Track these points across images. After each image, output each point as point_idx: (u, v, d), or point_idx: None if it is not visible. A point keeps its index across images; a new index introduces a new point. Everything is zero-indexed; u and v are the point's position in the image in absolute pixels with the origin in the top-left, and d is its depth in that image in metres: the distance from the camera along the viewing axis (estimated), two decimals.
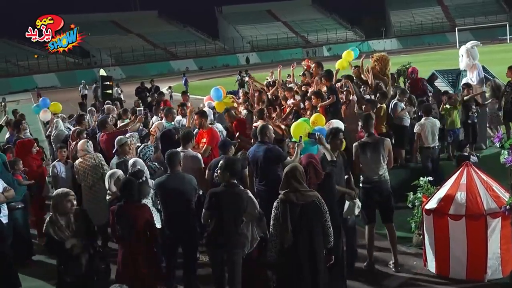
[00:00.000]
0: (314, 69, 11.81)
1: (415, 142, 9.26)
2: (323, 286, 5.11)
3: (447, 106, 10.42)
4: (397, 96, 10.55)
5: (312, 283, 5.02)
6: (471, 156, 8.85)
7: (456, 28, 65.11)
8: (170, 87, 31.82)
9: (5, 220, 6.97)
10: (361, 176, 6.81)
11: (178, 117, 10.52)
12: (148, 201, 6.15)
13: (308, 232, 5.01)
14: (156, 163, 7.49)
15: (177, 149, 7.26)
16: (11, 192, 6.96)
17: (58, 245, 5.01)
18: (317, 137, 6.43)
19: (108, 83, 24.06)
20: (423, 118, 9.15)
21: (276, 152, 6.88)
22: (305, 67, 13.07)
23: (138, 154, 7.67)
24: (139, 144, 8.58)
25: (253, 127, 8.63)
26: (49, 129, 12.67)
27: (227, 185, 5.54)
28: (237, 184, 5.60)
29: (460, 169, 6.52)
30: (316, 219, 5.05)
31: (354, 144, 7.00)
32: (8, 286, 6.29)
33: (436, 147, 9.22)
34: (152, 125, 10.30)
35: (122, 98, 24.64)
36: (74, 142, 9.18)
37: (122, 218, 5.39)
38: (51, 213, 5.24)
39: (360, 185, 6.78)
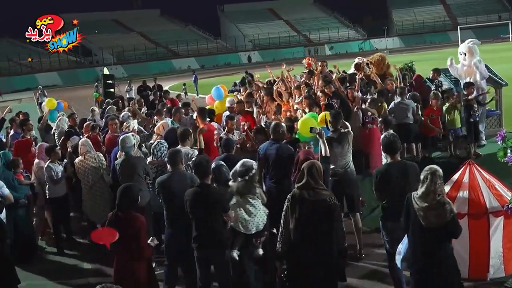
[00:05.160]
0: (320, 68, 11.93)
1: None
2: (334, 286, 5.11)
3: (448, 105, 10.42)
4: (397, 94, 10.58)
5: (322, 282, 5.01)
6: None
7: (459, 27, 64.92)
8: (184, 84, 32.28)
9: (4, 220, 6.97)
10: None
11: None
12: None
13: (318, 230, 4.98)
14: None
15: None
16: None
17: None
18: (317, 131, 6.48)
19: (110, 81, 24.09)
20: None
21: (288, 150, 6.92)
22: (306, 65, 13.06)
23: (152, 151, 7.64)
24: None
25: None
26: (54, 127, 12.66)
27: (200, 185, 5.59)
28: (210, 185, 5.65)
29: (463, 168, 6.51)
30: (327, 218, 5.01)
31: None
32: (7, 284, 6.31)
33: None
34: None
35: (133, 96, 24.64)
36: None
37: (112, 226, 5.30)
38: None
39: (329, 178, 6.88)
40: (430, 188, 4.71)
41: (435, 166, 4.87)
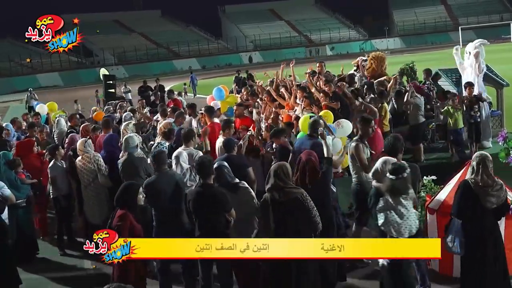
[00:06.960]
0: (318, 69, 11.97)
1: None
2: (313, 285, 5.10)
3: (449, 106, 10.43)
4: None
5: (300, 280, 5.01)
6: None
7: (460, 27, 64.93)
8: (185, 84, 32.52)
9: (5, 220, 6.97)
10: None
11: None
12: None
13: (294, 229, 5.00)
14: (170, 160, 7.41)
15: (180, 147, 7.30)
16: None
17: None
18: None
19: (111, 82, 24.09)
20: None
21: (322, 148, 6.88)
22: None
23: (152, 152, 7.62)
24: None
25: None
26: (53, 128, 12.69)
27: (202, 185, 5.59)
28: (213, 185, 5.63)
29: (464, 168, 6.49)
30: (302, 216, 5.04)
31: None
32: (9, 283, 6.31)
33: None
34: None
35: (130, 97, 24.65)
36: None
37: (111, 223, 5.31)
38: None
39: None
40: (486, 172, 5.05)
41: (484, 152, 5.27)
